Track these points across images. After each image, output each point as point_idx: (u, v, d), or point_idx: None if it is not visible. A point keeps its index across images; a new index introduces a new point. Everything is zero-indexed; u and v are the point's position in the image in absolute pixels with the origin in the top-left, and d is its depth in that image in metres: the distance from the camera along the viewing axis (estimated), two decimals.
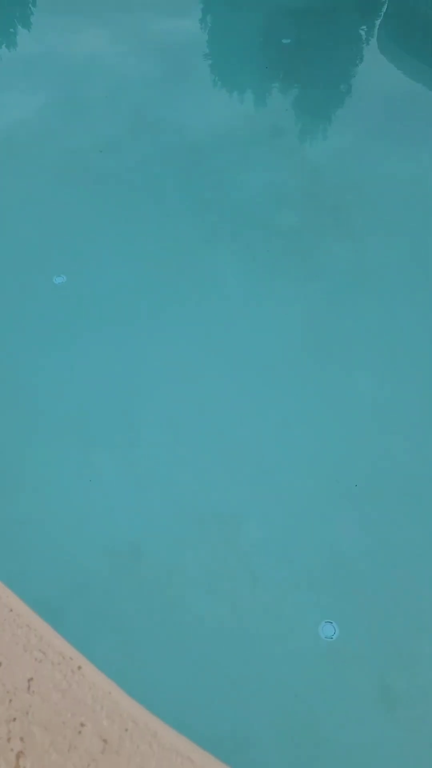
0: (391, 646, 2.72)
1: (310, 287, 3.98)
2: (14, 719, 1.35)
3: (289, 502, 3.16)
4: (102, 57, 6.05)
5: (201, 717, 2.54)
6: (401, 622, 2.77)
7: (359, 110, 5.64)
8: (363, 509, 3.12)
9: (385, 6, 7.01)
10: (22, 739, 1.32)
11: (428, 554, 2.97)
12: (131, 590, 2.84)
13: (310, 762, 2.50)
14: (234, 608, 2.82)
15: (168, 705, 2.61)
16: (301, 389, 3.55)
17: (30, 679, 1.41)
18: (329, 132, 5.37)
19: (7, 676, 1.41)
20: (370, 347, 3.71)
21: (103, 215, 4.32)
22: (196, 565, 2.92)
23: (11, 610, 1.53)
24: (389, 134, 5.18)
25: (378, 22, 6.66)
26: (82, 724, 1.40)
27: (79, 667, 1.48)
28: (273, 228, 4.29)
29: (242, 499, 3.14)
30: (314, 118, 5.34)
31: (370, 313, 3.87)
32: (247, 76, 5.85)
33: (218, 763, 1.35)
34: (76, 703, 1.41)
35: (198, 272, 4.04)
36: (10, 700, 1.38)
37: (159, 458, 3.27)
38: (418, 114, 5.32)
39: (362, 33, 6.36)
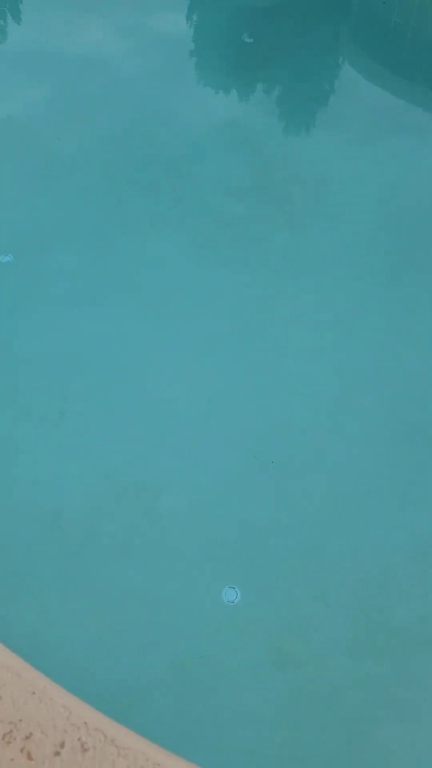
0: (289, 612, 2.86)
1: (251, 274, 4.11)
2: None
3: (209, 475, 3.29)
4: (65, 50, 6.14)
5: (98, 674, 2.65)
6: (301, 591, 2.91)
7: (313, 108, 5.80)
8: (278, 485, 3.25)
9: (350, 8, 7.22)
10: None
11: (332, 528, 3.09)
12: (47, 554, 2.96)
13: (204, 718, 2.62)
14: (143, 573, 2.94)
15: (66, 660, 2.74)
16: (231, 370, 3.68)
17: None
18: (282, 128, 5.53)
19: None
20: (300, 333, 3.84)
21: (53, 199, 4.44)
22: (112, 532, 3.04)
23: None
24: (339, 132, 5.32)
25: (341, 25, 6.81)
26: None
27: None
28: (220, 217, 4.42)
29: (163, 471, 3.27)
30: (268, 115, 5.49)
31: (305, 300, 4.00)
32: (206, 72, 6.00)
33: (76, 699, 1.45)
34: None
35: (142, 258, 4.17)
36: None
37: (87, 430, 3.40)
38: (370, 114, 5.46)
39: (326, 34, 6.51)
